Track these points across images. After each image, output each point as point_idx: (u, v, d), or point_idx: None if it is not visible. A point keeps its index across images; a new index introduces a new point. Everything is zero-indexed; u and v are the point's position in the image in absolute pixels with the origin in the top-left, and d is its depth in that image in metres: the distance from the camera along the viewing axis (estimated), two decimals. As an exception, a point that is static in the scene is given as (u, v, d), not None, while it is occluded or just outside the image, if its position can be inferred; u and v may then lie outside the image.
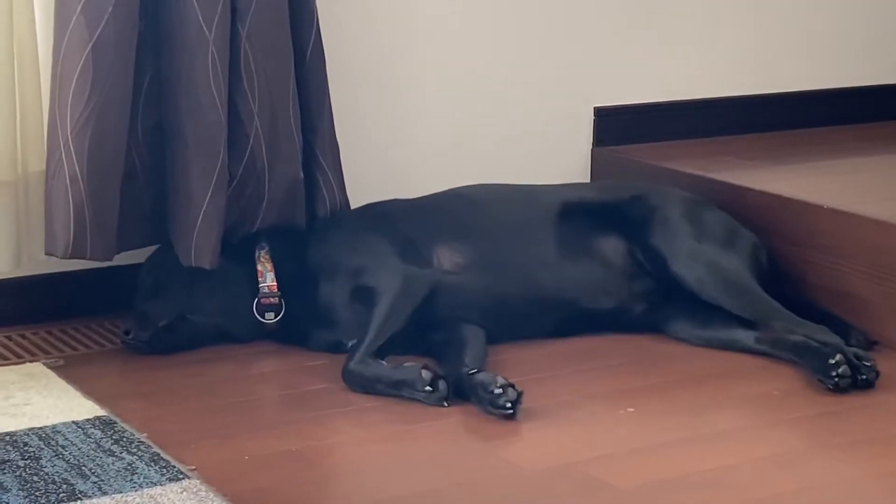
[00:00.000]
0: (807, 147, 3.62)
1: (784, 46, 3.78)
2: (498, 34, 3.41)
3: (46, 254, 2.79)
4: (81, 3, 2.64)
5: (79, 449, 2.30)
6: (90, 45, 2.66)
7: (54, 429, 2.38)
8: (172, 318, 2.79)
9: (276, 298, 2.84)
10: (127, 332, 2.77)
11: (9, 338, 2.87)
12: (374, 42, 3.24)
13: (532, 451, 2.36)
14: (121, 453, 2.29)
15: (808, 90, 3.80)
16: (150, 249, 2.92)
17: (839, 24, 3.86)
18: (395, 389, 2.56)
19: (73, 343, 2.86)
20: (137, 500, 2.12)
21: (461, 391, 2.53)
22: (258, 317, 2.84)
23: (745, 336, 2.81)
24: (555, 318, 2.88)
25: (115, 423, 2.41)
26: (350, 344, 2.70)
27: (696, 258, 2.89)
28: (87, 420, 2.42)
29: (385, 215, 2.91)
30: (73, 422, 2.41)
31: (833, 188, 3.15)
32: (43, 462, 2.25)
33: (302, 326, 2.83)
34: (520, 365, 2.71)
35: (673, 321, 2.90)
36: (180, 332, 2.80)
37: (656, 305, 2.92)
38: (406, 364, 2.58)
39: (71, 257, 2.75)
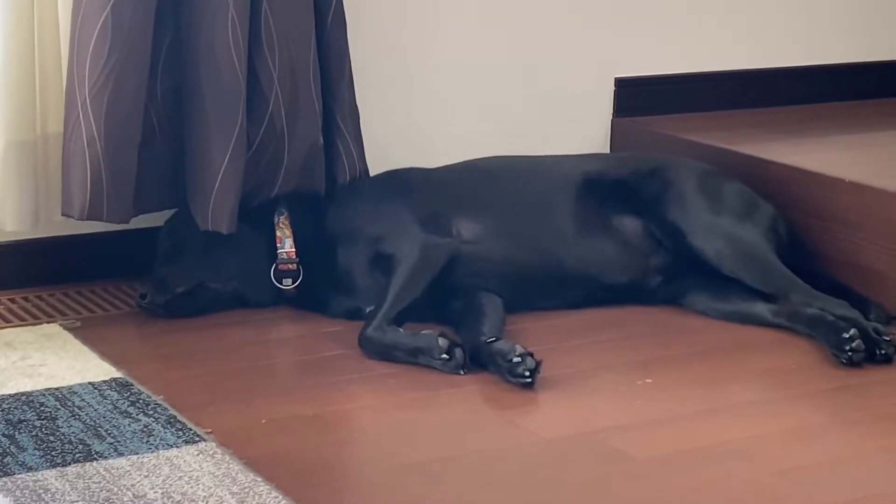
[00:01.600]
0: (829, 121, 3.60)
1: (808, 19, 3.76)
2: (520, 3, 3.38)
3: (63, 215, 2.78)
4: (101, -37, 2.63)
5: (95, 410, 2.30)
6: (109, 5, 2.65)
7: (70, 389, 2.38)
8: (191, 285, 2.79)
9: (294, 265, 2.83)
10: (143, 296, 2.76)
11: (26, 298, 2.87)
12: (396, 10, 3.23)
13: (549, 421, 2.36)
14: (137, 415, 2.28)
15: (831, 63, 3.78)
16: (168, 213, 2.92)
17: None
18: (412, 357, 2.56)
19: (90, 305, 2.86)
20: (153, 461, 2.12)
21: (479, 360, 2.53)
22: (276, 283, 2.83)
23: (763, 309, 2.81)
24: (571, 291, 2.87)
25: (131, 385, 2.41)
26: (368, 311, 2.69)
27: (714, 231, 2.88)
28: (104, 381, 2.42)
29: (405, 184, 2.90)
30: (90, 383, 2.41)
31: (855, 162, 3.13)
32: (59, 422, 2.25)
33: (320, 293, 2.82)
34: (538, 334, 2.70)
35: (690, 294, 2.90)
36: (198, 297, 2.80)
37: (672, 279, 2.90)
38: (423, 332, 2.58)
39: (87, 219, 2.75)
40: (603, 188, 2.94)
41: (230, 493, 2.02)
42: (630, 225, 2.91)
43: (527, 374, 2.44)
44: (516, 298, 2.81)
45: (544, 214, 2.89)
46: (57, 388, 2.39)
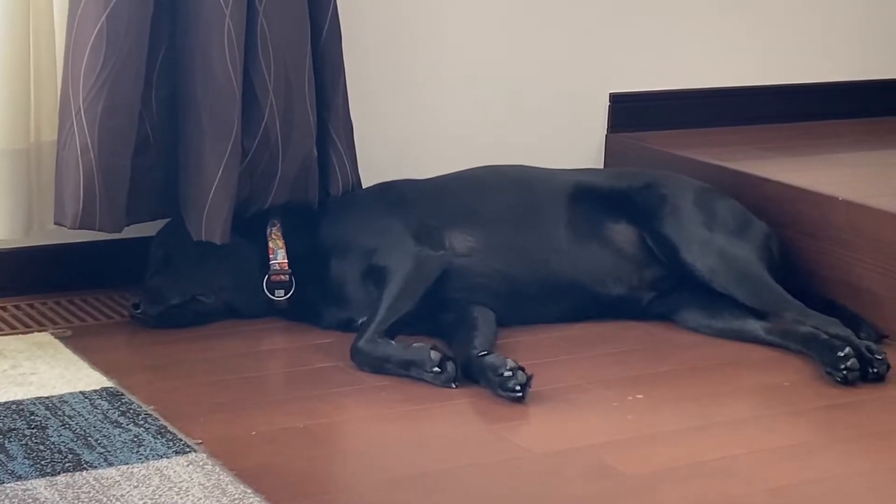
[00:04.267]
0: (824, 139, 3.61)
1: (805, 37, 3.77)
2: (515, 17, 3.39)
3: (55, 223, 2.77)
4: (98, -29, 2.63)
5: (85, 419, 2.29)
6: (105, 14, 2.65)
7: (61, 399, 2.38)
8: (185, 297, 2.78)
9: (287, 276, 2.83)
10: (136, 307, 2.76)
11: (17, 307, 2.87)
12: (391, 23, 3.23)
13: (540, 435, 2.35)
14: (127, 425, 2.28)
15: (827, 82, 3.79)
16: (160, 223, 2.91)
17: (861, 17, 3.84)
18: (404, 369, 2.56)
19: (82, 314, 2.85)
20: (143, 472, 2.11)
21: (470, 373, 2.52)
22: (268, 294, 2.83)
23: (756, 326, 2.80)
24: (565, 303, 2.87)
25: (122, 394, 2.41)
26: (360, 322, 2.68)
27: (707, 248, 2.88)
28: (95, 391, 2.42)
29: (398, 196, 2.90)
30: (81, 392, 2.41)
31: (849, 180, 3.14)
32: (49, 431, 2.24)
33: (312, 304, 2.82)
34: (530, 349, 2.70)
35: (683, 310, 2.89)
36: (190, 309, 2.80)
37: (666, 293, 2.90)
38: (415, 344, 2.58)
39: (80, 228, 2.74)
40: (598, 200, 2.94)
41: (220, 505, 2.02)
42: (623, 236, 2.91)
43: (518, 388, 2.43)
44: (509, 311, 2.81)
45: (538, 227, 2.89)
46: (47, 397, 2.38)
